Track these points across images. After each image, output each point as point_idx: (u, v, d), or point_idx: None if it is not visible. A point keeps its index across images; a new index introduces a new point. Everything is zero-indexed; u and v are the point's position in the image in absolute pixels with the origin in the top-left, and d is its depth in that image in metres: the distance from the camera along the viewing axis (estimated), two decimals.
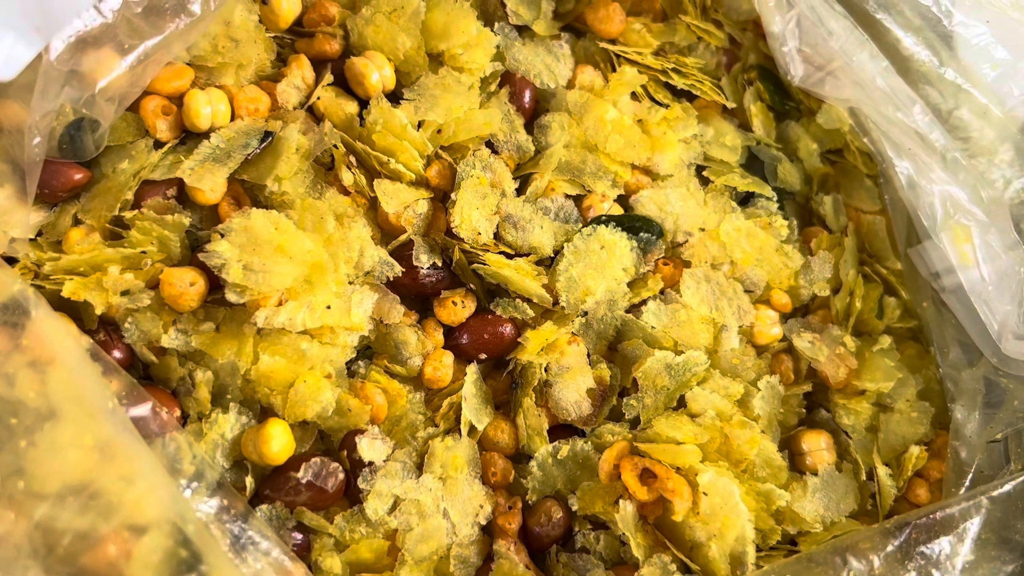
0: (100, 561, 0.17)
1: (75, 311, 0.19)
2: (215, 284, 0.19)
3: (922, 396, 0.23)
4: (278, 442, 0.19)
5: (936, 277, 0.25)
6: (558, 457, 0.20)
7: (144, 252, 0.19)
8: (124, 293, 0.20)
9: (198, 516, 0.18)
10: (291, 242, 0.19)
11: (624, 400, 0.21)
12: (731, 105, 0.23)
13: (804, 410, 0.22)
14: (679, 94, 0.23)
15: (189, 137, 0.21)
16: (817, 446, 0.22)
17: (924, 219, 0.24)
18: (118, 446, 0.18)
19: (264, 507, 0.19)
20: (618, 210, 0.22)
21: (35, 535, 0.17)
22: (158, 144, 0.21)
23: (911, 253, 0.24)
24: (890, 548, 0.19)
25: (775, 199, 0.22)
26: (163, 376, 0.19)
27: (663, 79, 0.23)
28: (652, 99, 0.23)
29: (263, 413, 0.19)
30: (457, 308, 0.21)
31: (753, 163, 0.23)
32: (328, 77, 0.22)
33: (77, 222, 0.20)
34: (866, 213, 0.24)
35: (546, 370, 0.21)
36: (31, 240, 0.20)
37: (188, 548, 0.17)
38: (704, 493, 0.20)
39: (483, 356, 0.21)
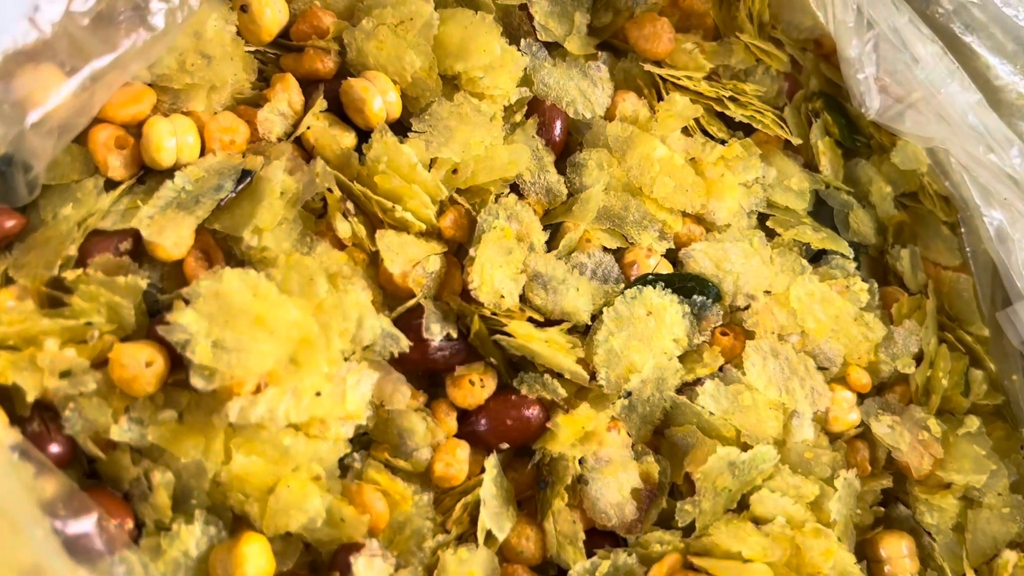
0: None
1: (3, 395, 0.15)
2: (178, 363, 0.15)
3: (1015, 488, 0.20)
4: (254, 564, 0.15)
5: None
6: (596, 573, 0.17)
7: (90, 323, 0.15)
8: (64, 374, 0.16)
9: None
10: (273, 311, 0.16)
11: (676, 503, 0.17)
12: (796, 141, 0.20)
13: (881, 507, 0.19)
14: (735, 126, 0.20)
15: (149, 176, 0.17)
16: (898, 552, 0.18)
17: (1016, 278, 0.21)
18: (55, 571, 0.14)
19: None
20: (667, 267, 0.18)
21: None
22: (110, 184, 0.17)
23: (999, 317, 0.21)
24: None
25: (852, 256, 0.19)
26: (113, 476, 0.16)
27: (718, 108, 0.19)
28: (706, 133, 0.19)
29: (236, 524, 0.16)
30: (475, 388, 0.17)
31: (821, 210, 0.20)
32: (321, 102, 0.18)
33: (8, 281, 0.16)
34: (946, 268, 0.21)
35: (581, 463, 0.17)
36: None
37: None
38: None
39: (505, 445, 0.18)
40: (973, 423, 0.20)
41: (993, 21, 0.22)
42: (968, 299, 0.21)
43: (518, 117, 0.19)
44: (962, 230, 0.21)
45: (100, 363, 0.16)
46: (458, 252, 0.18)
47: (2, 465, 0.16)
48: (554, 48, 0.20)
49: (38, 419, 0.17)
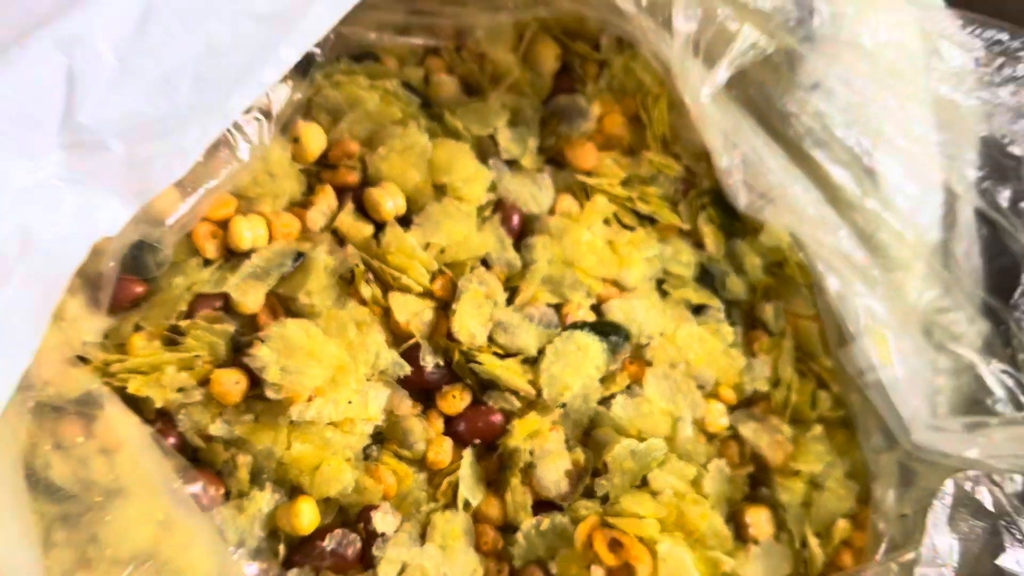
0: None
1: (136, 404, 0.23)
2: (255, 382, 0.23)
3: (849, 476, 0.27)
4: (306, 516, 0.22)
5: (861, 374, 0.29)
6: (540, 529, 0.24)
7: (197, 356, 0.23)
8: (179, 390, 0.23)
9: None
10: (319, 347, 0.23)
11: (596, 480, 0.24)
12: (687, 227, 0.27)
13: (748, 488, 0.26)
14: (643, 218, 0.27)
15: (233, 256, 0.24)
16: (759, 520, 0.25)
17: (850, 324, 0.28)
18: (177, 518, 0.21)
19: (294, 571, 0.22)
20: (591, 317, 0.26)
21: None
22: (207, 263, 0.24)
23: (840, 353, 0.28)
24: None
25: (722, 309, 0.26)
26: (210, 460, 0.23)
27: (629, 206, 0.27)
28: (620, 223, 0.27)
29: (293, 491, 0.23)
30: (456, 400, 0.24)
31: (705, 276, 0.27)
32: (349, 205, 0.26)
33: (139, 328, 0.23)
34: (802, 318, 0.28)
35: (531, 454, 0.24)
36: (97, 345, 0.23)
37: None
38: (662, 560, 0.23)
39: (477, 441, 0.25)
40: (817, 429, 0.27)
41: (832, 139, 0.29)
42: (817, 340, 0.28)
43: (487, 213, 0.26)
44: (815, 289, 0.29)
45: (203, 382, 0.23)
46: (444, 307, 0.25)
47: (142, 448, 0.23)
48: (513, 163, 0.27)
49: (160, 421, 0.24)
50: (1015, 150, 0.25)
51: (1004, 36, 0.25)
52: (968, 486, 0.21)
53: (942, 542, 0.20)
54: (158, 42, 0.18)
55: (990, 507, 0.22)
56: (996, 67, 0.25)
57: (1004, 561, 0.22)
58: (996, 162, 0.27)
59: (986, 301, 0.29)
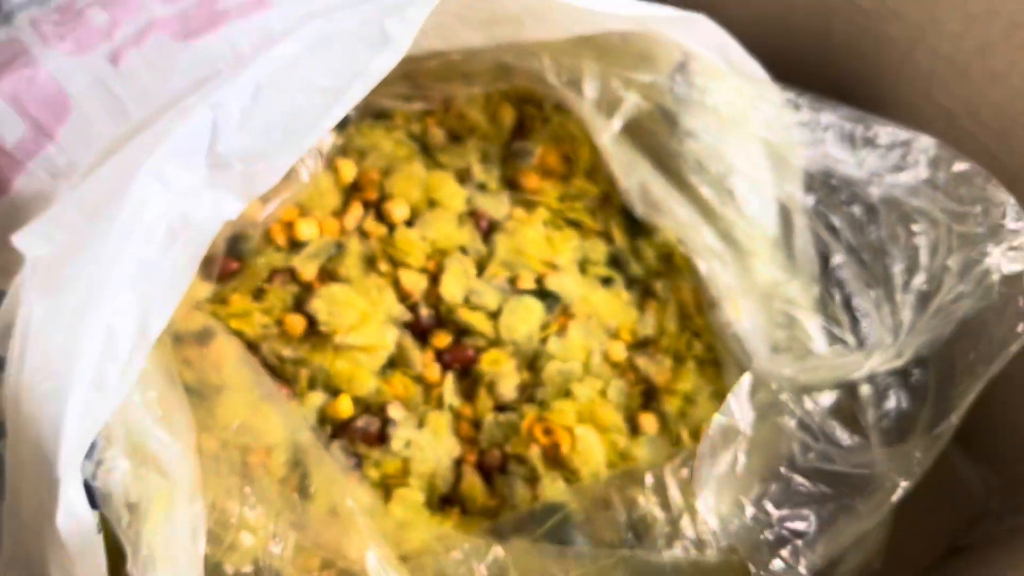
0: (253, 464, 0.32)
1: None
2: (311, 323, 0.34)
3: (713, 396, 0.38)
4: (344, 408, 0.33)
5: (723, 328, 0.41)
6: (498, 422, 0.35)
7: (273, 306, 0.34)
8: (262, 327, 0.35)
9: (305, 443, 0.33)
10: (353, 301, 0.34)
11: (535, 390, 0.36)
12: (601, 229, 0.39)
13: (642, 401, 0.37)
14: (571, 223, 0.39)
15: (295, 245, 0.36)
16: (648, 421, 0.36)
17: (714, 293, 0.40)
18: (262, 404, 0.33)
19: (336, 442, 0.34)
20: (534, 287, 0.36)
21: (220, 448, 0.32)
22: (279, 249, 0.36)
23: (709, 313, 0.40)
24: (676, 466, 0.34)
25: (623, 282, 0.38)
26: (281, 372, 0.34)
27: (561, 215, 0.39)
28: (555, 226, 0.38)
29: (335, 392, 0.34)
30: (443, 339, 0.35)
31: (614, 262, 0.38)
32: (371, 213, 0.37)
33: (234, 290, 0.35)
34: (683, 290, 0.40)
35: (492, 375, 0.36)
36: (208, 300, 0.35)
37: (302, 458, 0.32)
38: (578, 439, 0.35)
39: (457, 366, 0.36)
40: (691, 364, 0.38)
41: (701, 168, 0.41)
42: (692, 305, 0.39)
43: (464, 219, 0.37)
44: (692, 271, 0.40)
45: (277, 323, 0.35)
46: (435, 279, 0.35)
47: (240, 363, 0.34)
48: (482, 186, 0.39)
49: (250, 348, 0.35)
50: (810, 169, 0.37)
51: (803, 100, 0.37)
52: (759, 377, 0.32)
53: (738, 409, 0.31)
54: (263, 105, 0.31)
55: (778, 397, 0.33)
56: (800, 119, 0.37)
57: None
58: (810, 180, 0.39)
59: (813, 277, 0.41)
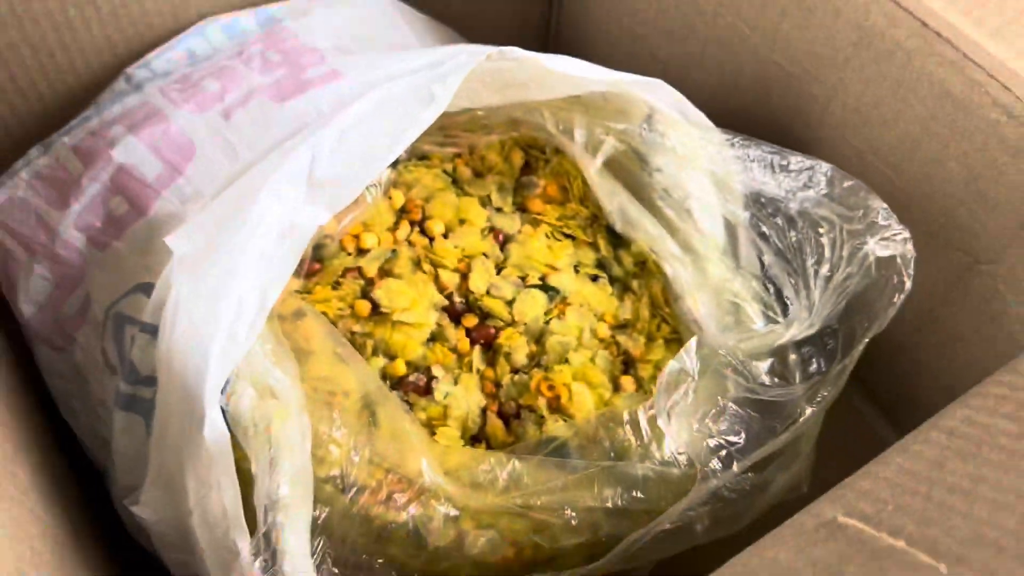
0: (336, 403, 0.43)
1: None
2: (375, 307, 0.46)
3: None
4: (400, 368, 0.45)
5: (685, 314, 0.52)
6: (514, 381, 0.46)
7: (346, 295, 0.46)
8: (338, 310, 0.47)
9: (373, 389, 0.44)
10: (405, 291, 0.46)
11: (541, 358, 0.47)
12: (591, 241, 0.51)
13: (622, 368, 0.48)
14: (567, 236, 0.51)
15: (362, 251, 0.48)
16: (627, 382, 0.47)
17: (677, 290, 0.51)
18: (338, 363, 0.44)
19: (394, 393, 0.45)
20: (539, 282, 0.49)
21: (312, 392, 0.43)
22: (349, 254, 0.48)
23: (675, 305, 0.51)
24: (646, 408, 0.45)
25: (608, 280, 0.50)
26: (353, 343, 0.46)
27: (560, 230, 0.51)
28: (555, 238, 0.50)
29: (393, 357, 0.46)
30: (471, 320, 0.46)
31: (600, 265, 0.50)
32: (416, 229, 0.49)
33: (317, 283, 0.47)
34: (654, 287, 0.51)
35: (508, 347, 0.47)
36: (296, 292, 0.47)
37: (371, 399, 0.43)
38: (574, 393, 0.46)
39: (482, 341, 0.47)
40: (660, 342, 0.49)
41: (666, 194, 0.53)
42: (661, 298, 0.51)
43: (486, 232, 0.49)
44: (661, 273, 0.52)
45: (350, 307, 0.47)
46: (465, 276, 0.48)
47: (324, 335, 0.46)
48: (499, 210, 0.51)
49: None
50: (745, 191, 0.49)
51: (736, 140, 0.49)
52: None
53: (688, 360, 0.42)
54: (345, 146, 0.43)
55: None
56: (735, 154, 0.49)
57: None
58: (746, 200, 0.51)
59: (753, 274, 0.52)
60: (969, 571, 0.24)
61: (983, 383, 0.31)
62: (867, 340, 0.41)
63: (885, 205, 0.42)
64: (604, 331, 0.45)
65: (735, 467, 0.39)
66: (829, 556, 0.26)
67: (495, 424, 0.44)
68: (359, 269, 0.43)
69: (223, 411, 0.37)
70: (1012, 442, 0.28)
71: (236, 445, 0.33)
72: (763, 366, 0.41)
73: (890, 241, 0.41)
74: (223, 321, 0.38)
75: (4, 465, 0.33)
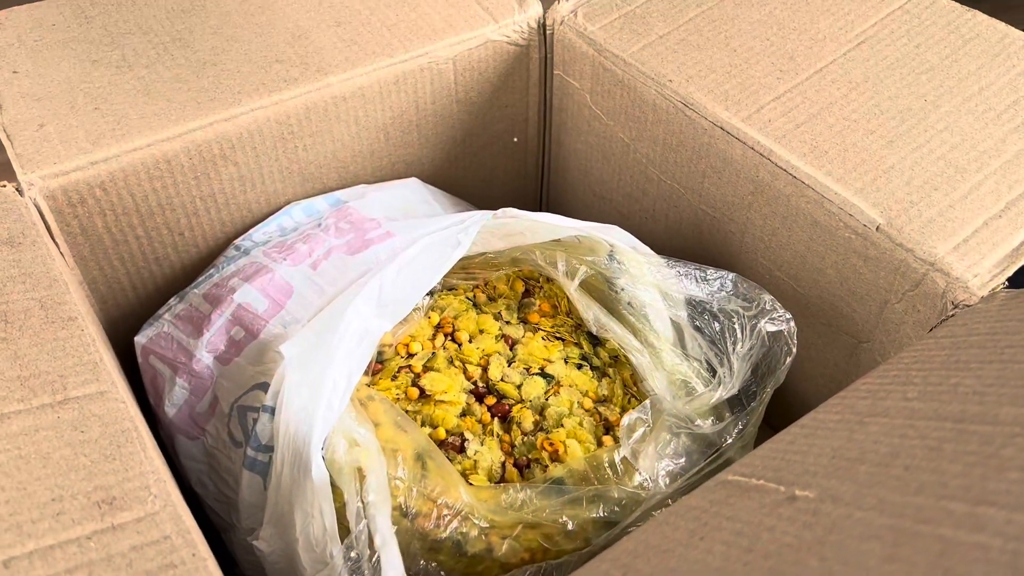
0: (398, 457, 0.60)
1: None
2: (421, 391, 0.64)
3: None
4: (441, 434, 0.62)
5: (649, 391, 0.70)
6: (525, 441, 0.63)
7: (401, 385, 0.64)
8: (396, 395, 0.64)
9: (424, 447, 0.61)
10: (442, 380, 0.64)
11: (543, 424, 0.64)
12: (576, 341, 0.69)
13: (604, 428, 0.65)
14: (558, 338, 0.69)
15: (410, 355, 0.67)
16: (607, 440, 0.64)
17: (641, 372, 0.69)
18: (400, 429, 0.62)
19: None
20: (539, 371, 0.67)
21: (381, 450, 0.60)
22: (401, 357, 0.66)
23: (642, 384, 0.69)
24: (620, 453, 0.62)
25: (589, 368, 0.67)
26: (390, 368, 0.63)
27: (553, 334, 0.69)
28: (549, 341, 0.69)
29: (436, 427, 0.63)
30: (491, 400, 0.64)
31: (584, 358, 0.68)
32: (449, 338, 0.68)
33: (380, 378, 0.65)
34: (624, 372, 0.69)
35: (520, 417, 0.64)
36: (366, 385, 0.65)
37: (423, 455, 0.60)
38: (568, 447, 0.62)
39: (499, 414, 0.64)
40: (631, 412, 0.67)
41: (629, 307, 0.72)
42: (631, 379, 0.69)
43: (497, 338, 0.68)
44: (631, 362, 0.70)
45: (404, 393, 0.64)
46: (485, 368, 0.66)
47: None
48: (507, 323, 0.70)
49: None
50: (682, 298, 0.68)
51: (672, 262, 0.68)
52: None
53: (643, 411, 0.59)
54: (400, 278, 0.62)
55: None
56: (674, 272, 0.68)
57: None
58: (685, 305, 0.70)
59: (696, 358, 0.70)
60: (797, 488, 0.41)
61: (828, 400, 0.49)
62: (770, 391, 0.59)
63: (771, 296, 0.60)
64: (589, 404, 0.62)
65: (680, 481, 0.56)
66: (719, 495, 0.43)
67: (512, 472, 0.61)
68: (409, 366, 0.59)
69: (323, 459, 0.54)
70: (834, 425, 0.46)
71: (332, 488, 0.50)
72: (698, 415, 0.59)
73: (777, 320, 0.59)
74: (322, 397, 0.56)
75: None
